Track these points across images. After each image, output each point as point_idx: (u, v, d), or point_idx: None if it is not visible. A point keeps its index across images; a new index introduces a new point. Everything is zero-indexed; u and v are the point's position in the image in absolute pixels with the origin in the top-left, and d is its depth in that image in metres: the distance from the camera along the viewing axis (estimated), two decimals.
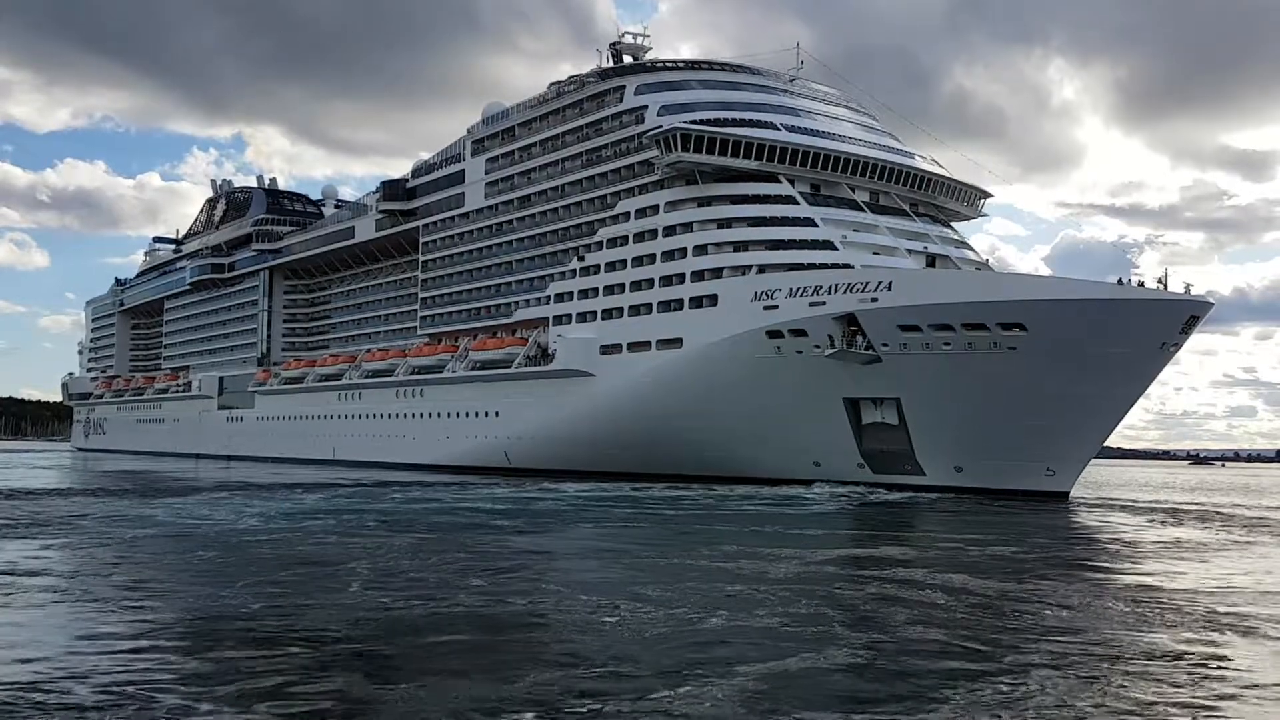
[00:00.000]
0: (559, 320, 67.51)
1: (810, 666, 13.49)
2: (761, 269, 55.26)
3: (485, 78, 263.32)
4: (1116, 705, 11.85)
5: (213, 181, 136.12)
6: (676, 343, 58.02)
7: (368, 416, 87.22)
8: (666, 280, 59.71)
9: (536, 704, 11.43)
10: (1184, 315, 46.91)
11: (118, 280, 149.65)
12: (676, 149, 57.85)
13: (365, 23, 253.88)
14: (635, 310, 61.49)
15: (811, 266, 53.52)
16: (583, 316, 65.57)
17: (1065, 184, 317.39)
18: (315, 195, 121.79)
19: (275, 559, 24.02)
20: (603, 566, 24.44)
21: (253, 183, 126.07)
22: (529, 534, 30.90)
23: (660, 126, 59.41)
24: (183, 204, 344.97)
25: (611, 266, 64.01)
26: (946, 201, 63.09)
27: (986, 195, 65.87)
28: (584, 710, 11.25)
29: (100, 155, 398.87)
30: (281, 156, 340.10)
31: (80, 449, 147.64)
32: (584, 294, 65.90)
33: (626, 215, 63.48)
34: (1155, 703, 12.00)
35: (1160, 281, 47.24)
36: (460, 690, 12.14)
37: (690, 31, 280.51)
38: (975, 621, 16.89)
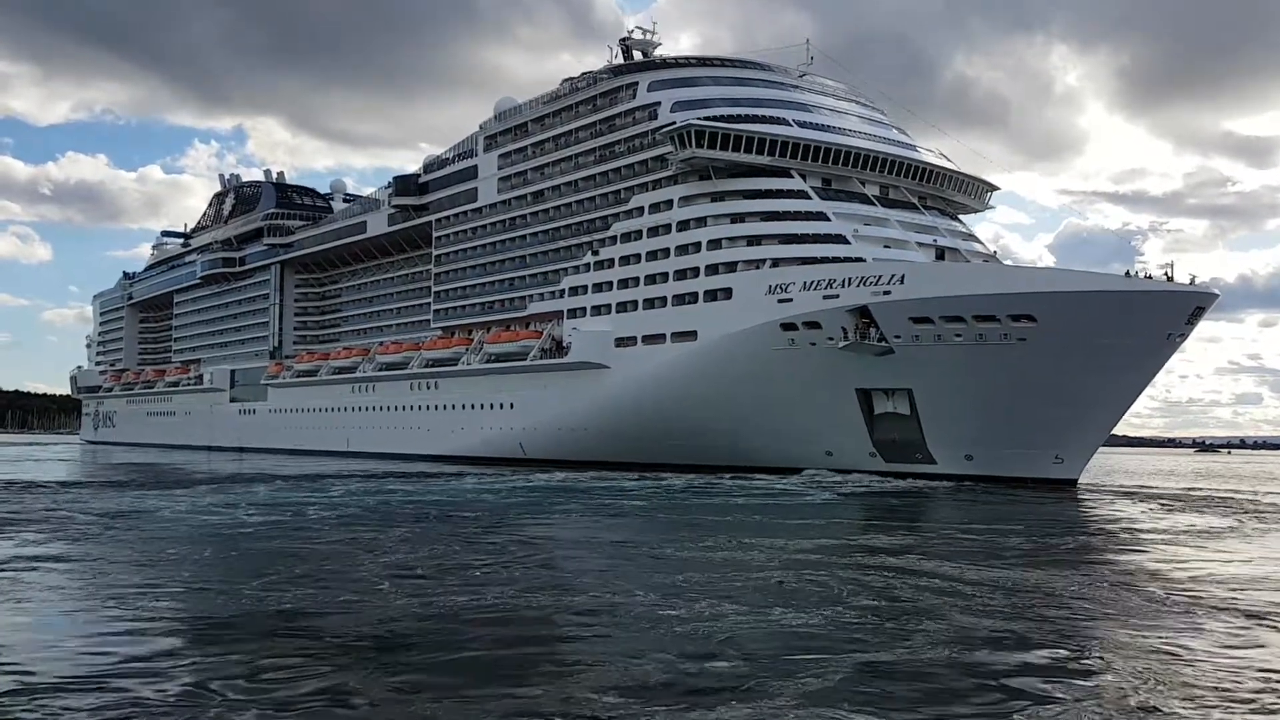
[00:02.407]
0: (573, 313, 68.51)
1: (889, 661, 13.37)
2: (775, 263, 56.31)
3: (485, 69, 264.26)
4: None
5: (221, 176, 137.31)
6: (691, 335, 59.08)
7: (382, 409, 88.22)
8: (681, 274, 60.75)
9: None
10: (1190, 307, 47.98)
11: (125, 274, 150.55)
12: (690, 145, 58.86)
13: (364, 13, 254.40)
14: (650, 303, 62.55)
15: (825, 260, 54.60)
16: (597, 310, 66.54)
17: (1068, 171, 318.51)
18: (316, 186, 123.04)
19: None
20: (618, 561, 23.84)
21: (256, 175, 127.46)
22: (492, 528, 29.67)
23: (674, 123, 60.45)
24: (185, 196, 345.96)
25: (626, 260, 64.98)
26: (954, 195, 64.16)
27: (993, 188, 66.92)
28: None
29: (101, 148, 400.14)
30: (283, 148, 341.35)
31: (90, 442, 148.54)
32: (598, 287, 66.93)
33: (640, 210, 64.47)
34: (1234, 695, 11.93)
35: (1166, 273, 48.12)
36: (512, 697, 11.62)
37: (690, 20, 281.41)
38: (1018, 613, 16.73)
